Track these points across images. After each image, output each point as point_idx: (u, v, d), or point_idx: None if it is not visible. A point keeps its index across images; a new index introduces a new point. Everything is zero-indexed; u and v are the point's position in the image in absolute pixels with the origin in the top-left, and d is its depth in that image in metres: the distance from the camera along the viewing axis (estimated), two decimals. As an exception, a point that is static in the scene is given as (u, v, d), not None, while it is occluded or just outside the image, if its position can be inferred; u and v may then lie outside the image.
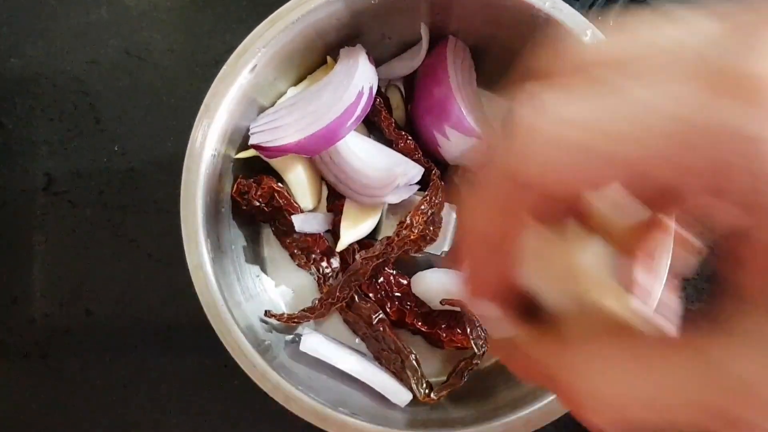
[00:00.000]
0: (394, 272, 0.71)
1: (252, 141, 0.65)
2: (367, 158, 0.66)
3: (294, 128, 0.64)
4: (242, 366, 0.59)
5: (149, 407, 0.78)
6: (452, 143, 0.68)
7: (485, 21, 0.66)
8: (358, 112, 0.65)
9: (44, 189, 0.79)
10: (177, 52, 0.80)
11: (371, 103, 0.66)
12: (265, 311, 0.68)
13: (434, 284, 0.69)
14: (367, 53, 0.67)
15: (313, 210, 0.72)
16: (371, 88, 0.66)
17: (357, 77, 0.65)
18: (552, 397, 0.60)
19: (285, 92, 0.69)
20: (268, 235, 0.74)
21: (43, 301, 0.78)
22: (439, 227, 0.67)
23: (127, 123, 0.79)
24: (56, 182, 0.79)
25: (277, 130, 0.65)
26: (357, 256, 0.68)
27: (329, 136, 0.64)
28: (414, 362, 0.68)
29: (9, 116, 0.80)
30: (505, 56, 0.69)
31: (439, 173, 0.68)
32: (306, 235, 0.70)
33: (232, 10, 0.80)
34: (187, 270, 0.61)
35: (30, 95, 0.80)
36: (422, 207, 0.66)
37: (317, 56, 0.69)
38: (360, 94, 0.64)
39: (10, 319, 0.78)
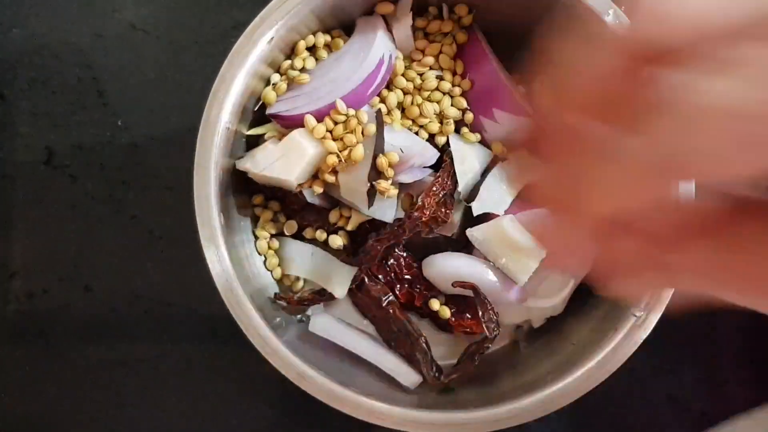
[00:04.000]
0: (405, 254, 0.70)
1: (270, 110, 0.64)
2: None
3: (312, 97, 0.63)
4: (253, 342, 0.58)
5: (148, 387, 0.77)
6: (500, 126, 0.67)
7: (503, 2, 0.65)
8: (378, 80, 0.64)
9: (45, 162, 0.77)
10: (183, 27, 0.79)
11: (391, 72, 0.66)
12: (275, 294, 0.67)
13: (446, 267, 0.68)
14: (385, 22, 0.66)
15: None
16: (391, 57, 0.65)
17: (377, 45, 0.64)
18: (557, 387, 0.60)
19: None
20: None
21: (41, 276, 0.77)
22: (451, 209, 0.67)
23: (131, 97, 0.78)
24: (57, 156, 0.77)
25: (295, 99, 0.64)
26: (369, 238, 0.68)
27: (349, 105, 0.63)
28: (424, 345, 0.67)
29: (10, 88, 0.78)
30: (518, 37, 0.69)
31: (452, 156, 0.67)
32: (316, 210, 0.69)
33: (240, -15, 0.79)
34: (190, 247, 0.59)
35: (32, 67, 0.78)
36: (434, 188, 0.65)
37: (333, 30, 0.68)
38: (381, 62, 0.64)
39: (9, 293, 0.77)
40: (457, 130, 0.69)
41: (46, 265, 0.77)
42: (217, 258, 0.59)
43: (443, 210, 0.66)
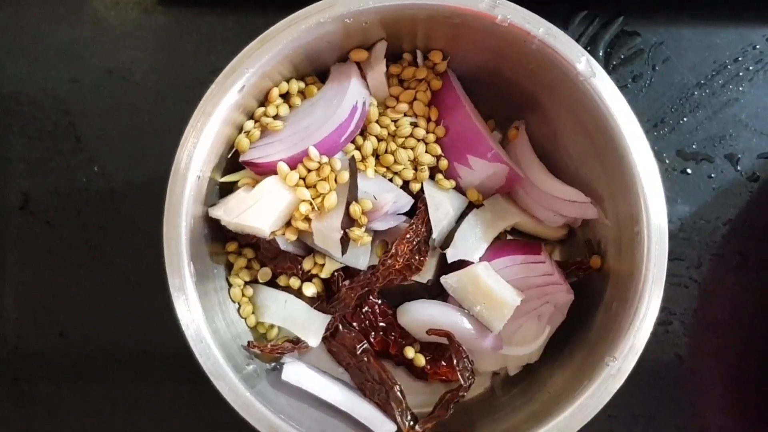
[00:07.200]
0: (380, 302, 0.70)
1: (243, 157, 0.64)
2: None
3: (286, 144, 0.63)
4: (224, 394, 0.58)
5: (123, 434, 0.76)
6: (475, 172, 0.67)
7: (477, 48, 0.65)
8: (352, 127, 0.64)
9: (21, 208, 0.77)
10: (160, 73, 0.79)
11: (364, 119, 0.65)
12: (248, 342, 0.66)
13: (420, 315, 0.67)
14: (359, 68, 0.67)
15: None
16: (365, 104, 0.65)
17: (350, 92, 0.64)
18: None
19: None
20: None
21: (16, 322, 0.76)
22: (425, 256, 0.66)
23: (108, 143, 0.78)
24: (33, 202, 0.77)
25: (268, 146, 0.64)
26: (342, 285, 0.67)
27: (323, 152, 0.63)
28: (399, 393, 0.66)
29: (-14, 133, 0.78)
30: (495, 84, 0.69)
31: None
32: (290, 257, 0.68)
33: (218, 31, 0.79)
34: (166, 293, 0.59)
35: (9, 113, 0.78)
36: (408, 236, 0.65)
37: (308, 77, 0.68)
38: (354, 109, 0.64)
39: (-18, 341, 0.76)
40: (432, 177, 0.68)
41: (20, 311, 0.76)
42: (186, 307, 0.58)
43: (417, 257, 0.66)
